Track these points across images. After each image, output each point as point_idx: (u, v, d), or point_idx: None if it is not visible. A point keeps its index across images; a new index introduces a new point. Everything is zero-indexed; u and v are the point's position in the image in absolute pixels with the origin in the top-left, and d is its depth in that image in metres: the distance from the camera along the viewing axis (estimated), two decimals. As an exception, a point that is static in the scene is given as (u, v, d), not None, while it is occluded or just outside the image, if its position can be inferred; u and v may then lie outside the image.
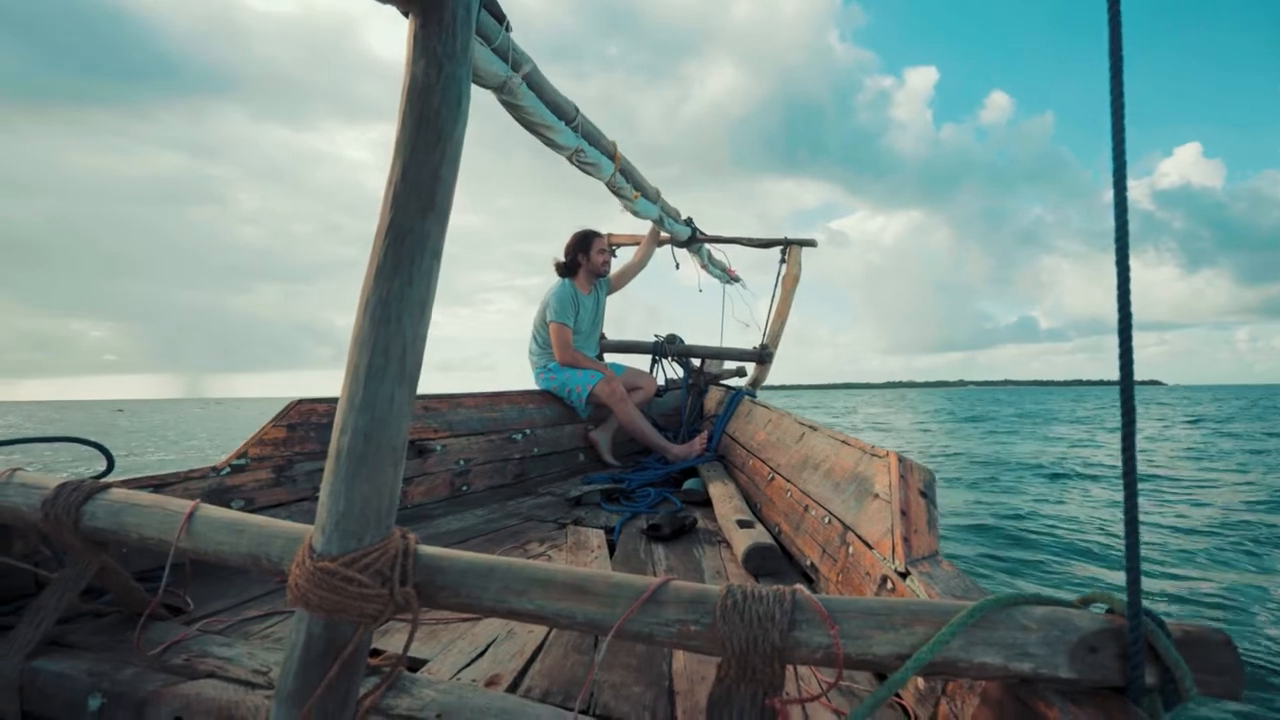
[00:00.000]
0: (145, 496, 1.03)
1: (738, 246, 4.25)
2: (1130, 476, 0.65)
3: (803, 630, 0.71)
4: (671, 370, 4.32)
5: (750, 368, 4.25)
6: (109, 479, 1.26)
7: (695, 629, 0.74)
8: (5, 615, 1.15)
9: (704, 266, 4.50)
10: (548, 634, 1.26)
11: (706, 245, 4.22)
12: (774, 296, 4.03)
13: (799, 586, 0.76)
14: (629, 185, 2.50)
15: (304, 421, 1.91)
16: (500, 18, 1.35)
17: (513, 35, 1.40)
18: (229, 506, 1.62)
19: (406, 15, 0.94)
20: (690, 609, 0.75)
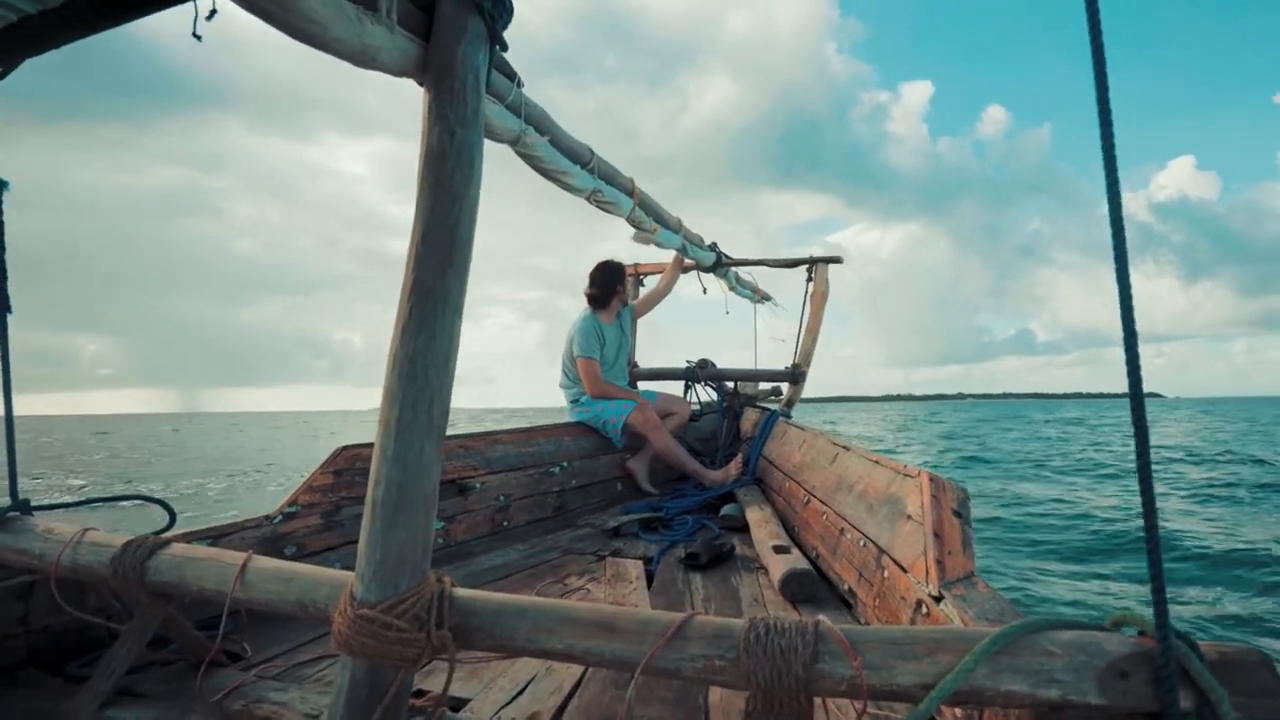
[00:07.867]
0: (203, 550, 1.10)
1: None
2: (1148, 493, 0.64)
3: (826, 662, 0.72)
4: (705, 394, 4.33)
5: (785, 388, 4.22)
6: (170, 533, 1.34)
7: (720, 663, 0.75)
8: (82, 667, 1.23)
9: (731, 289, 4.51)
10: (585, 671, 1.28)
11: (732, 268, 4.24)
12: (803, 315, 4.03)
13: (822, 618, 0.77)
14: (649, 219, 2.54)
15: (349, 467, 1.98)
16: (511, 75, 1.42)
17: (524, 90, 1.48)
18: (282, 553, 1.69)
19: (421, 86, 1.01)
20: (715, 644, 0.76)
